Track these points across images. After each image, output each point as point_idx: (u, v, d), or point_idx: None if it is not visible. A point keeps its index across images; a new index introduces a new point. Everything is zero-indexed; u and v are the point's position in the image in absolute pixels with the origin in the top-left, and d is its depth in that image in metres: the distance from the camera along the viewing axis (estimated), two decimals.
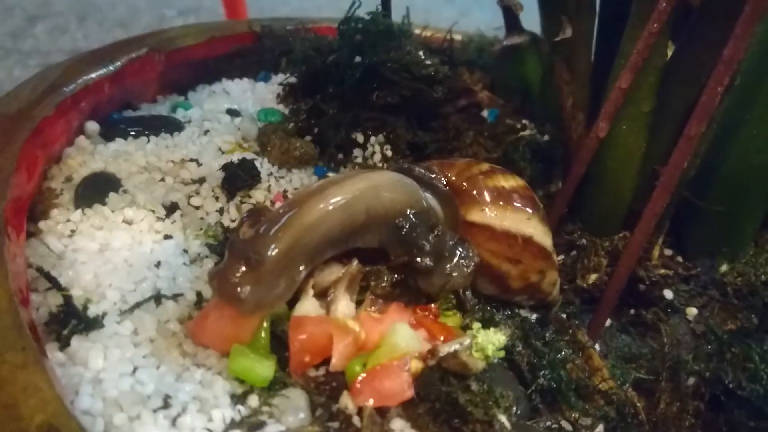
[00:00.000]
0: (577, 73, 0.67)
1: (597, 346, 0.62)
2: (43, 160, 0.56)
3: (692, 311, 0.65)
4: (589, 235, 0.67)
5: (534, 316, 0.60)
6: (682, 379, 0.54)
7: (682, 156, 0.51)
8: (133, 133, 0.64)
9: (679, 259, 0.68)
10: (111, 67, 0.69)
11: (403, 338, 0.45)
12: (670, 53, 0.62)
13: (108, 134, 0.63)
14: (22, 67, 1.65)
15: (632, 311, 0.67)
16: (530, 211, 0.56)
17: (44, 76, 0.63)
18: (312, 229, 0.46)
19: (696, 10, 0.59)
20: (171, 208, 0.56)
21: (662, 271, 0.66)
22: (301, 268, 0.46)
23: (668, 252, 0.69)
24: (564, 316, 0.61)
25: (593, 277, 0.64)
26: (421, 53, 0.71)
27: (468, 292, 0.55)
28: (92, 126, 0.63)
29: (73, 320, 0.43)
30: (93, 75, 0.66)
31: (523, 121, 0.82)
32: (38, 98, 0.59)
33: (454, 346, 0.46)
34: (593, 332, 0.60)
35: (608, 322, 0.65)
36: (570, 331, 0.58)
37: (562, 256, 0.67)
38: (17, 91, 0.59)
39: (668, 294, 0.65)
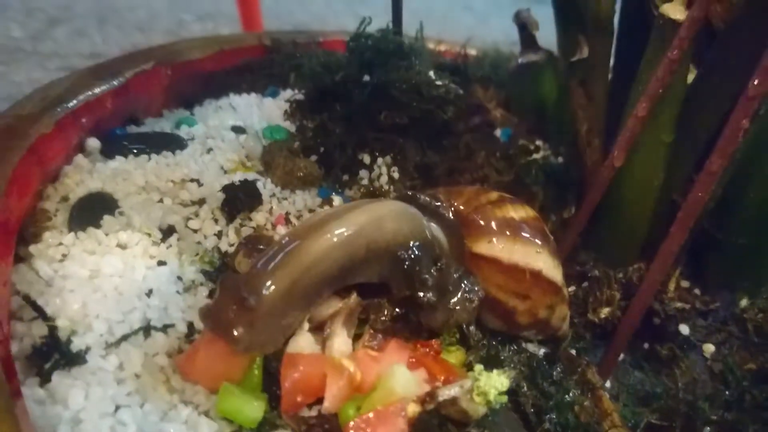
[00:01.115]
0: (594, 98, 0.64)
1: (608, 383, 0.60)
2: (38, 180, 0.54)
3: (710, 348, 0.62)
4: (602, 266, 0.64)
5: (542, 351, 0.57)
6: (698, 428, 0.51)
7: (703, 192, 0.49)
8: (134, 151, 0.62)
9: (697, 291, 0.65)
10: (115, 82, 0.68)
11: (400, 382, 0.43)
12: (691, 77, 0.59)
13: (108, 152, 0.62)
14: (41, 69, 1.65)
15: (646, 345, 0.64)
16: (540, 243, 0.53)
17: (47, 90, 0.61)
18: (311, 269, 0.44)
19: (721, 35, 0.56)
20: (168, 232, 0.55)
21: (679, 304, 0.63)
22: (298, 312, 0.44)
23: (685, 284, 0.66)
24: (574, 351, 0.58)
25: (605, 311, 0.61)
26: (431, 73, 0.69)
27: (472, 327, 0.52)
28: (93, 143, 0.62)
29: (55, 354, 0.41)
30: (96, 90, 0.65)
31: (537, 142, 0.80)
32: (37, 115, 0.57)
33: (453, 390, 0.43)
34: (604, 370, 0.57)
35: (621, 356, 0.62)
36: (579, 369, 0.55)
37: (573, 288, 0.64)
38: (18, 106, 0.58)
39: (684, 329, 0.62)
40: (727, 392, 0.54)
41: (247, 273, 0.43)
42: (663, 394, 0.58)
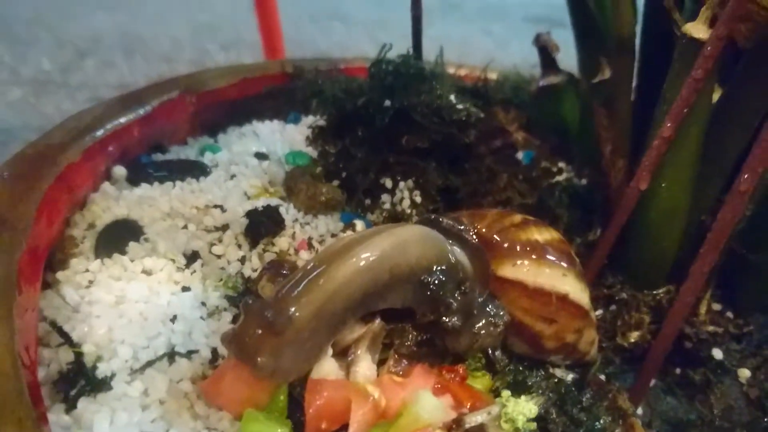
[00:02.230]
0: (617, 118, 0.64)
1: (640, 410, 0.58)
2: (66, 207, 0.55)
3: (745, 373, 0.60)
4: (630, 289, 0.63)
5: (570, 377, 0.56)
6: None
7: (732, 212, 0.48)
8: (159, 178, 0.63)
9: (729, 315, 0.64)
10: (142, 111, 0.69)
11: (426, 408, 0.42)
12: (716, 96, 0.58)
13: (134, 179, 0.63)
14: (71, 100, 1.70)
15: (678, 371, 0.62)
16: (566, 266, 0.53)
17: (76, 120, 0.63)
18: (336, 294, 0.43)
19: (747, 53, 0.55)
20: (192, 257, 0.55)
21: (711, 328, 0.62)
22: (323, 339, 0.44)
23: (717, 307, 0.64)
24: (603, 377, 0.57)
25: (635, 335, 0.60)
26: (452, 97, 0.69)
27: (498, 352, 0.52)
28: (119, 171, 0.63)
29: (81, 380, 0.41)
30: (122, 119, 0.66)
31: (560, 164, 0.79)
32: (66, 143, 0.58)
33: (480, 417, 0.43)
34: (636, 396, 0.56)
35: (653, 381, 0.61)
36: (610, 395, 0.53)
37: (600, 311, 0.63)
38: (47, 135, 0.59)
39: (718, 354, 0.60)
40: (765, 419, 0.52)
41: (272, 298, 0.43)
42: (698, 421, 0.56)
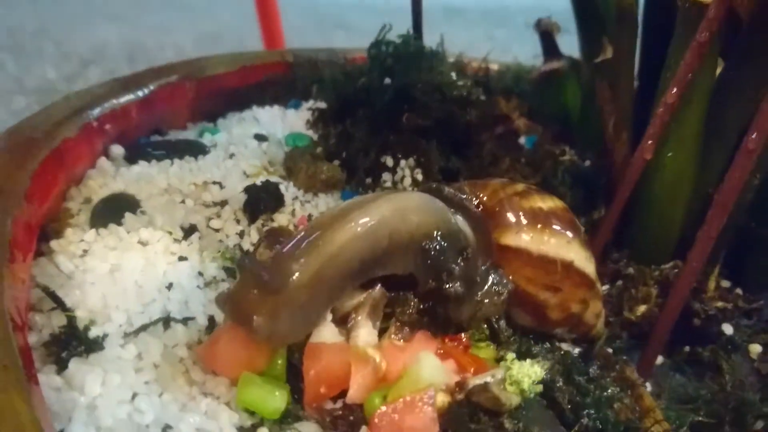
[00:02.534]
0: (620, 91, 0.63)
1: (649, 386, 0.57)
2: (62, 181, 0.55)
3: (756, 348, 0.58)
4: (637, 264, 0.61)
5: (576, 351, 0.54)
6: (749, 423, 0.48)
7: (741, 171, 0.46)
8: (157, 156, 0.62)
9: (739, 291, 0.62)
10: (140, 93, 0.68)
11: (427, 369, 0.41)
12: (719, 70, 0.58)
13: (132, 157, 0.62)
14: None
15: (687, 348, 0.61)
16: (570, 234, 0.51)
17: (74, 99, 0.62)
18: (334, 258, 0.42)
19: (747, 26, 0.54)
20: (189, 231, 0.54)
21: (719, 304, 0.60)
22: (321, 303, 0.43)
23: (725, 284, 0.63)
24: (610, 351, 0.55)
25: (642, 308, 0.58)
26: (453, 74, 0.68)
27: (502, 322, 0.50)
28: (117, 149, 0.62)
29: (73, 342, 0.40)
30: (121, 100, 0.66)
31: (563, 147, 0.78)
32: (62, 120, 0.58)
33: (485, 379, 0.41)
34: (643, 370, 0.54)
35: (660, 359, 0.59)
36: (617, 367, 0.52)
37: (607, 286, 0.61)
38: (44, 112, 0.59)
39: (728, 329, 0.59)
40: None
41: (270, 257, 0.42)
42: (708, 396, 0.54)
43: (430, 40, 0.78)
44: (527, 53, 0.94)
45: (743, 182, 0.47)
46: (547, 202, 0.52)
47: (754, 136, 0.45)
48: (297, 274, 0.41)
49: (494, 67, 0.99)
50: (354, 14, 2.42)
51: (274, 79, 0.86)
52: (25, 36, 2.03)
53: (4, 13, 2.16)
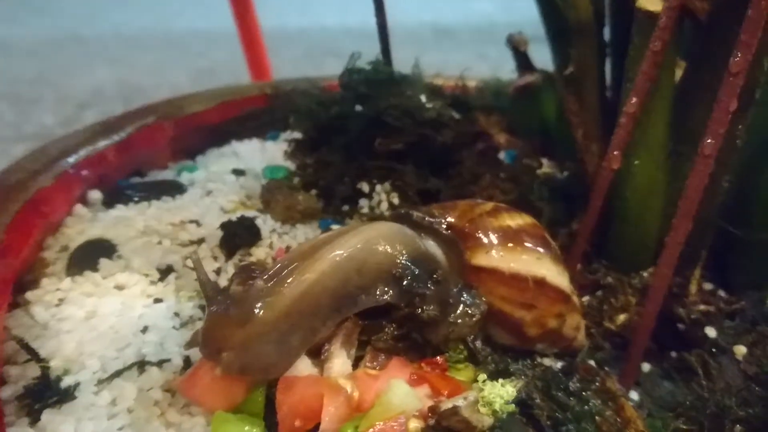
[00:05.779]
0: (586, 103, 0.63)
1: (636, 395, 0.56)
2: (38, 232, 0.55)
3: (741, 350, 0.58)
4: (615, 273, 0.61)
5: (559, 365, 0.54)
6: (727, 428, 0.47)
7: (700, 178, 0.47)
8: (135, 199, 0.63)
9: (721, 293, 0.62)
10: (116, 137, 0.70)
11: (398, 396, 0.41)
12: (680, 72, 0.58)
13: (109, 201, 0.63)
14: None
15: (674, 354, 0.60)
16: (541, 250, 0.52)
17: (47, 148, 0.63)
18: (306, 295, 0.43)
19: (705, 26, 0.55)
20: (166, 271, 0.55)
21: (702, 307, 0.60)
22: (298, 338, 0.43)
23: (708, 286, 0.63)
24: (593, 362, 0.55)
25: (622, 317, 0.58)
26: (423, 97, 0.69)
27: (478, 342, 0.50)
28: (94, 195, 0.63)
29: (47, 393, 0.41)
30: (98, 145, 0.67)
31: (541, 160, 0.79)
32: (39, 169, 0.59)
33: (456, 402, 0.41)
34: (627, 379, 0.54)
35: (649, 367, 0.59)
36: (598, 379, 0.52)
37: (587, 298, 0.61)
38: (19, 163, 0.60)
39: (711, 332, 0.58)
40: (758, 388, 0.50)
41: (238, 293, 0.42)
42: (697, 403, 0.54)
43: (426, 63, 0.79)
44: None
45: (703, 188, 0.47)
46: (516, 220, 0.53)
47: (709, 141, 0.46)
48: (264, 308, 0.41)
49: (472, 83, 1.00)
50: (344, 40, 2.45)
51: (253, 113, 0.88)
52: (23, 84, 2.06)
53: (3, 63, 2.20)
